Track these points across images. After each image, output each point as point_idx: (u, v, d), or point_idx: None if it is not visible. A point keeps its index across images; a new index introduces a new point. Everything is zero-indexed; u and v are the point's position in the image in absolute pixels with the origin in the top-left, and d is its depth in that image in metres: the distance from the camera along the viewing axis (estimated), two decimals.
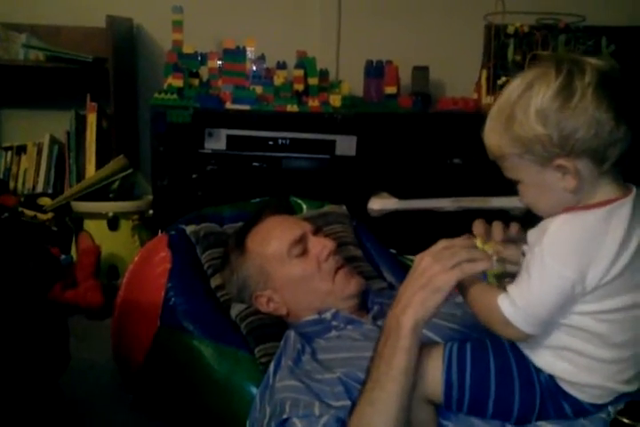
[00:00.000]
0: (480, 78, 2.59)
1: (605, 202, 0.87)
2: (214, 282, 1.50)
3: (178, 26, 2.45)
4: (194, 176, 2.38)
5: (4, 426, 1.13)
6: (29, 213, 2.55)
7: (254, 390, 1.24)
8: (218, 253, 1.54)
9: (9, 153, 2.81)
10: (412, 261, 1.02)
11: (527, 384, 0.94)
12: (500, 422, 0.97)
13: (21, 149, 2.81)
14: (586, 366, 0.91)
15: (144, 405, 1.56)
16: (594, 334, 0.89)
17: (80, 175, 2.74)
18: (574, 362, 0.91)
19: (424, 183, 2.35)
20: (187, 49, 2.46)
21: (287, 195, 1.89)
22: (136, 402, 1.56)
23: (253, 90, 2.42)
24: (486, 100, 2.50)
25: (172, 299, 1.44)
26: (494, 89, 2.47)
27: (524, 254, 0.92)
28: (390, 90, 2.57)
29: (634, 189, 0.89)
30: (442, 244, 0.98)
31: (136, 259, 1.62)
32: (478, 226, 1.04)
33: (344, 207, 1.80)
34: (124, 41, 2.76)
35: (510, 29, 2.53)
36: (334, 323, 1.30)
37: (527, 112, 0.84)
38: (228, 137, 2.36)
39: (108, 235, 2.50)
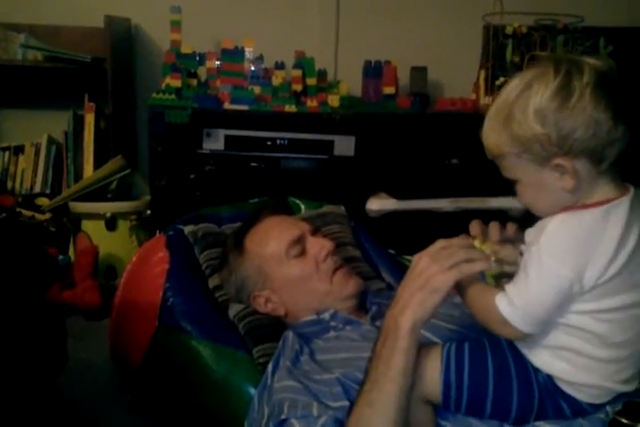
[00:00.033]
0: (478, 79, 2.59)
1: (603, 201, 0.87)
2: (212, 282, 1.50)
3: (176, 26, 2.46)
4: (192, 176, 2.38)
5: (2, 426, 1.13)
6: (27, 213, 2.54)
7: (252, 390, 1.24)
8: (216, 253, 1.53)
9: (7, 153, 2.80)
10: (410, 261, 1.02)
11: (525, 384, 0.94)
12: (498, 423, 0.96)
13: (19, 149, 2.80)
14: (584, 366, 0.91)
15: (142, 405, 1.56)
16: (592, 333, 0.89)
17: (78, 175, 2.73)
18: (572, 362, 0.91)
19: (422, 183, 2.36)
20: (185, 49, 2.46)
21: (285, 195, 1.88)
22: (134, 402, 1.56)
23: (252, 90, 2.41)
24: (484, 100, 2.50)
25: (170, 299, 1.44)
26: (492, 89, 2.47)
27: (521, 254, 0.92)
28: (389, 90, 2.57)
29: (632, 189, 0.89)
30: (439, 244, 0.98)
31: (134, 259, 1.62)
32: (475, 226, 1.04)
33: (342, 208, 1.79)
34: (123, 41, 2.76)
35: (509, 30, 2.53)
36: (332, 323, 1.30)
37: (526, 112, 0.84)
38: (227, 137, 2.36)
39: (105, 235, 2.50)
